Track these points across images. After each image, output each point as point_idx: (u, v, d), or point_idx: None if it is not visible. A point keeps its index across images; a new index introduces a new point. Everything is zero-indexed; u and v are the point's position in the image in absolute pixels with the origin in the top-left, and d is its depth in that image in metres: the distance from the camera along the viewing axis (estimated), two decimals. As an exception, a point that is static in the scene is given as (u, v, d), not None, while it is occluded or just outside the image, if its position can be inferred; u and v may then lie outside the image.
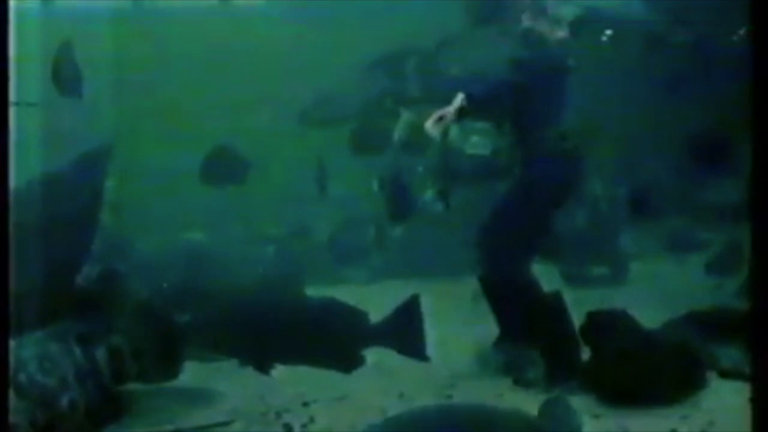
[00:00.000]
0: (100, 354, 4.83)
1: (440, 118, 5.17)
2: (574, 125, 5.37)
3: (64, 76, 5.24)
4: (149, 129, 9.54)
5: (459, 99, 5.19)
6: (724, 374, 4.90)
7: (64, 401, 4.49)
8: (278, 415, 4.87)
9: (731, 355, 4.98)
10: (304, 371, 4.77)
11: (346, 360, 4.54)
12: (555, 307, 5.26)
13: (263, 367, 4.59)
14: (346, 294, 4.91)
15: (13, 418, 4.17)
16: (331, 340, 4.51)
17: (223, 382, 5.47)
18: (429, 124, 5.19)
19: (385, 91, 7.99)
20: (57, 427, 4.43)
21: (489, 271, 5.47)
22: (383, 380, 5.22)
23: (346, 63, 8.98)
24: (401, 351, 4.65)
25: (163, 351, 5.12)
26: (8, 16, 3.65)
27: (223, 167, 6.29)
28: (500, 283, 5.42)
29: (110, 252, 7.12)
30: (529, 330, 5.29)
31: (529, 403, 4.68)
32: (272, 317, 4.60)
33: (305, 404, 4.97)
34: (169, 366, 5.23)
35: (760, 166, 2.83)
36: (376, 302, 5.01)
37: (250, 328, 4.59)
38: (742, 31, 5.76)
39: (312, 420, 4.77)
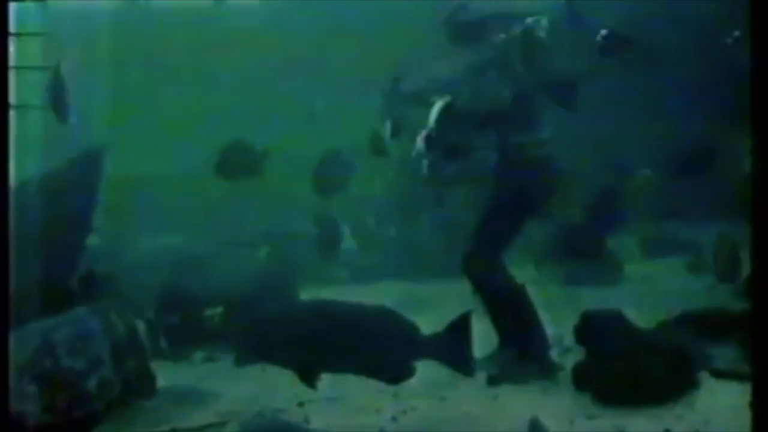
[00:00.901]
0: (141, 327, 4.85)
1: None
2: (552, 133, 5.41)
3: (56, 101, 5.30)
4: (145, 131, 9.53)
5: (440, 106, 5.22)
6: (718, 374, 4.92)
7: (92, 382, 4.50)
8: (273, 415, 4.86)
9: (725, 355, 5.01)
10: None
11: (396, 371, 4.44)
12: (519, 299, 5.40)
13: (309, 378, 4.41)
14: (334, 294, 4.88)
15: (23, 406, 4.17)
16: (383, 351, 4.40)
17: (218, 383, 5.47)
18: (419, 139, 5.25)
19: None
20: (79, 410, 4.43)
21: (471, 274, 5.50)
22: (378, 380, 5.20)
23: (344, 62, 8.98)
24: (450, 364, 4.59)
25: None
26: (8, 18, 3.66)
27: (237, 160, 6.23)
28: (482, 284, 5.46)
29: (100, 253, 7.10)
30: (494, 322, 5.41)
31: (526, 404, 4.72)
32: (324, 326, 4.43)
33: (300, 404, 4.96)
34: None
35: (760, 165, 2.85)
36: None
37: (301, 337, 4.43)
38: (736, 34, 5.78)
39: (307, 420, 4.77)
